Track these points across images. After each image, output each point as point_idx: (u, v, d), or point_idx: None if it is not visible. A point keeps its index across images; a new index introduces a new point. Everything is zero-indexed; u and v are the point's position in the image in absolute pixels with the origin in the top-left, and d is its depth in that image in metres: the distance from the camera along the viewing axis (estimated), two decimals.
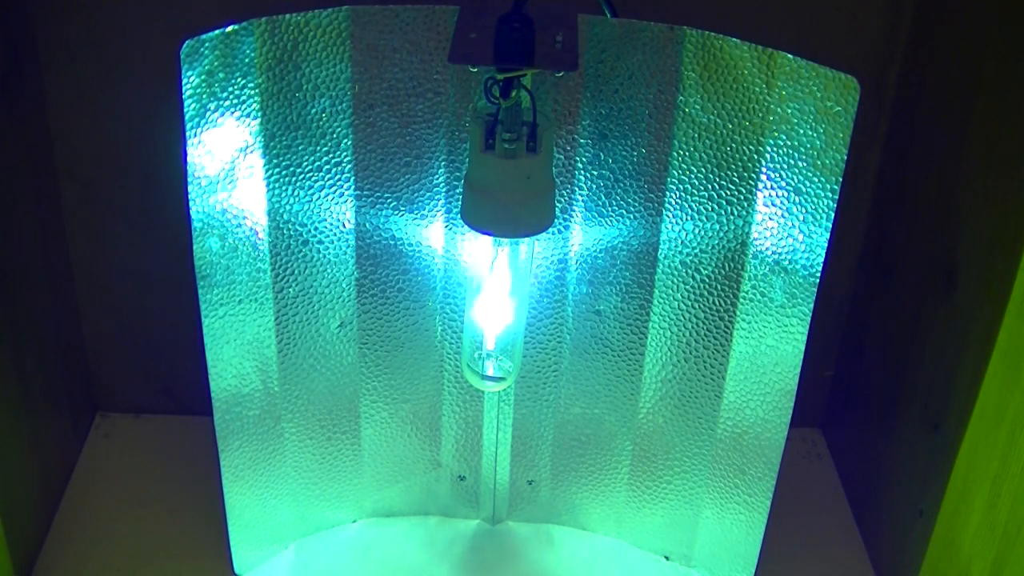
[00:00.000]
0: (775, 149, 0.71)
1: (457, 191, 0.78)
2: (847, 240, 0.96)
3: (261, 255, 0.76)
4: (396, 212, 0.79)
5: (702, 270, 0.77)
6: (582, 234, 0.80)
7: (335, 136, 0.75)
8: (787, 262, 0.73)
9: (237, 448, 0.82)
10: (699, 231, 0.76)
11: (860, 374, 0.99)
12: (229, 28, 0.67)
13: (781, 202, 0.72)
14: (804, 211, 0.71)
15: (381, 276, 0.81)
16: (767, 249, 0.74)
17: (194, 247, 0.72)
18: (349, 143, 0.75)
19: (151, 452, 1.01)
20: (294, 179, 0.75)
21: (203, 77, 0.68)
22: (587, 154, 0.77)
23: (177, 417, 1.04)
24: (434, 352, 0.86)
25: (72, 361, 1.00)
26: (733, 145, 0.72)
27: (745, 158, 0.72)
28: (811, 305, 0.74)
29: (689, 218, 0.76)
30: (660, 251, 0.78)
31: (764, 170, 0.72)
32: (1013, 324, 0.72)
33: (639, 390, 0.84)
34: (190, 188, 0.70)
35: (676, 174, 0.75)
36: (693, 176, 0.74)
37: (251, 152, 0.72)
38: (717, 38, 0.70)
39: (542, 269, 0.81)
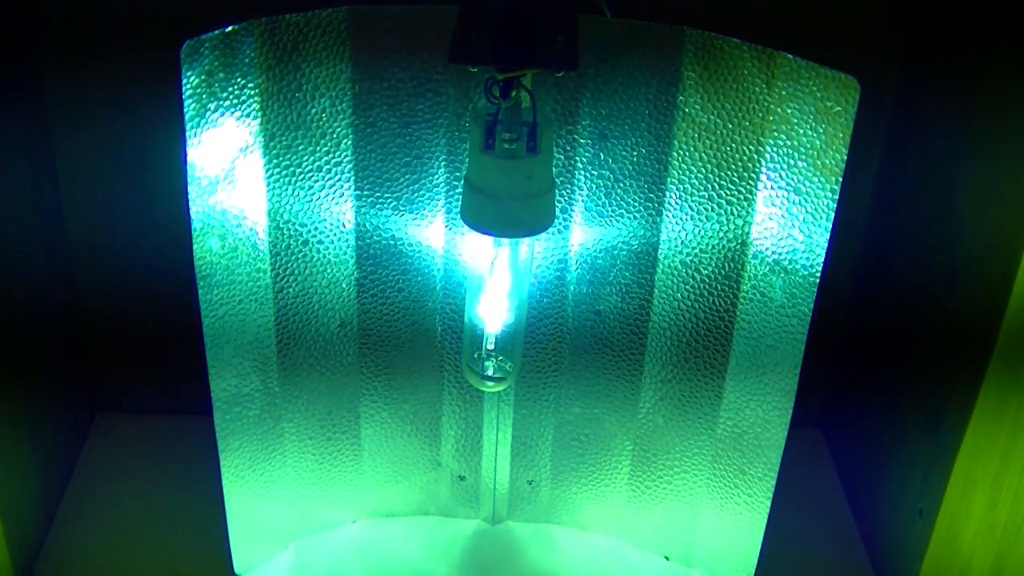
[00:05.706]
0: (775, 149, 0.71)
1: (457, 191, 0.78)
2: (847, 240, 0.96)
3: (261, 255, 0.76)
4: (396, 212, 0.79)
5: (702, 270, 0.77)
6: (582, 234, 0.80)
7: (335, 136, 0.75)
8: (787, 262, 0.73)
9: (237, 448, 0.82)
10: (699, 231, 0.76)
11: (860, 374, 0.99)
12: (229, 28, 0.67)
13: (781, 202, 0.72)
14: (804, 211, 0.71)
15: (381, 276, 0.81)
16: (767, 249, 0.74)
17: (194, 247, 0.72)
18: (349, 143, 0.75)
19: (151, 452, 1.01)
20: (294, 179, 0.75)
21: (203, 77, 0.68)
22: (587, 154, 0.77)
23: (177, 417, 1.04)
24: (434, 352, 0.86)
25: (72, 361, 1.00)
26: (733, 145, 0.72)
27: (745, 158, 0.72)
28: (811, 305, 0.74)
29: (689, 218, 0.76)
30: (660, 251, 0.78)
31: (764, 170, 0.72)
32: (1013, 324, 0.72)
33: (639, 390, 0.84)
34: (190, 188, 0.70)
35: (676, 174, 0.75)
36: (693, 176, 0.74)
37: (251, 152, 0.72)
38: (717, 38, 0.70)
39: (542, 269, 0.81)
